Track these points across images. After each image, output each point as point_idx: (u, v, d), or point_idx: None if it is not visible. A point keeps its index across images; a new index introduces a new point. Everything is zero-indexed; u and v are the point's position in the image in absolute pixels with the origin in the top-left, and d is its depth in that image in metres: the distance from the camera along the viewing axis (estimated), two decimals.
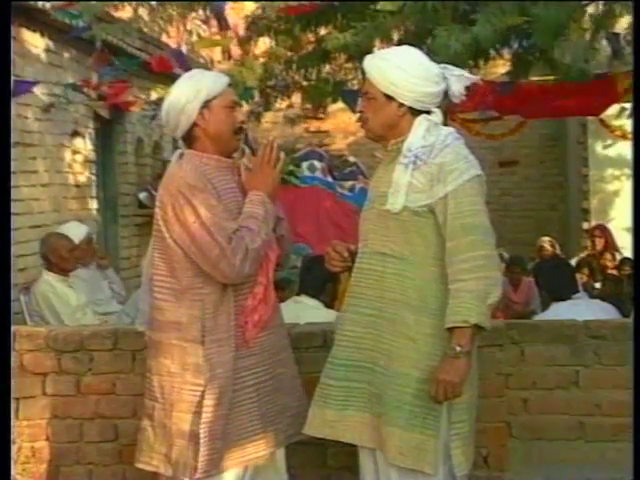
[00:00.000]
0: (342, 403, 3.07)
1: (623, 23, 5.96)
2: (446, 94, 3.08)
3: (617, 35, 5.68)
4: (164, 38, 10.27)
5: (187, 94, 3.15)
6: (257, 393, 3.14)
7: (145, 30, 9.46)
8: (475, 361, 3.05)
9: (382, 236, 3.04)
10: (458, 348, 2.86)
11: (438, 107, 3.08)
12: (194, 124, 3.16)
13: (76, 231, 6.41)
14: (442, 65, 3.10)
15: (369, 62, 3.09)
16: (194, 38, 10.85)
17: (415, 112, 3.04)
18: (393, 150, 3.08)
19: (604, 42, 5.79)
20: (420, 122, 3.03)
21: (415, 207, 2.97)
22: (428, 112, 3.06)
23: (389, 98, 3.03)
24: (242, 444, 3.10)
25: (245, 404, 3.12)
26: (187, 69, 8.23)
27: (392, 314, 2.99)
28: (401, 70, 3.01)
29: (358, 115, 3.17)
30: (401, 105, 3.03)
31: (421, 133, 3.01)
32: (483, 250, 2.91)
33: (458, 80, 3.07)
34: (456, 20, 5.22)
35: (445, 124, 3.17)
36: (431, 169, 2.96)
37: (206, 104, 3.15)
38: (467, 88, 3.12)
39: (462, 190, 2.93)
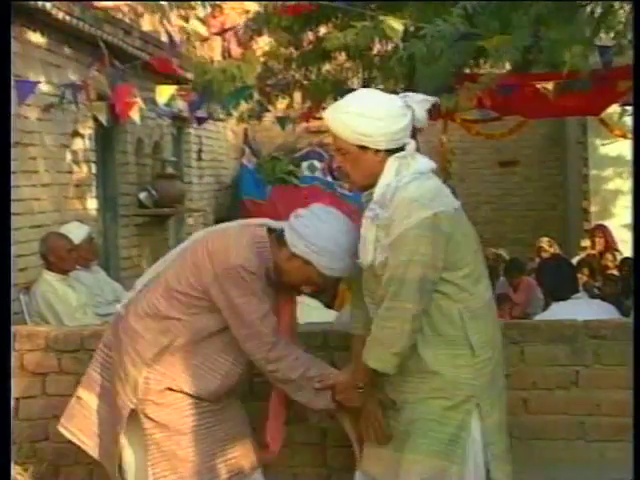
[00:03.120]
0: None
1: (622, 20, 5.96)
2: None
3: (607, 48, 5.69)
4: (164, 38, 10.26)
5: (312, 244, 3.09)
6: (212, 438, 3.17)
7: (146, 28, 9.46)
8: (503, 380, 3.16)
9: (377, 287, 3.02)
10: (359, 383, 3.04)
11: (412, 137, 3.01)
12: (288, 247, 3.13)
13: (77, 231, 6.41)
14: (401, 95, 3.04)
15: (331, 118, 3.01)
16: (194, 37, 10.85)
17: (393, 151, 2.98)
18: (368, 201, 3.04)
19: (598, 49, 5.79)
20: (390, 165, 2.96)
21: (379, 262, 2.96)
22: (403, 147, 2.99)
23: (363, 148, 2.97)
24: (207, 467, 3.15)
25: (196, 447, 3.15)
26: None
27: (411, 353, 2.98)
28: (366, 118, 2.93)
29: (338, 169, 3.13)
30: (377, 151, 2.96)
31: (388, 180, 2.94)
32: (401, 302, 2.89)
33: (421, 106, 3.00)
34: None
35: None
36: (386, 222, 2.93)
37: (307, 261, 3.11)
38: (430, 111, 3.06)
39: (400, 240, 2.90)
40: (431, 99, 3.05)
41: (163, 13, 9.43)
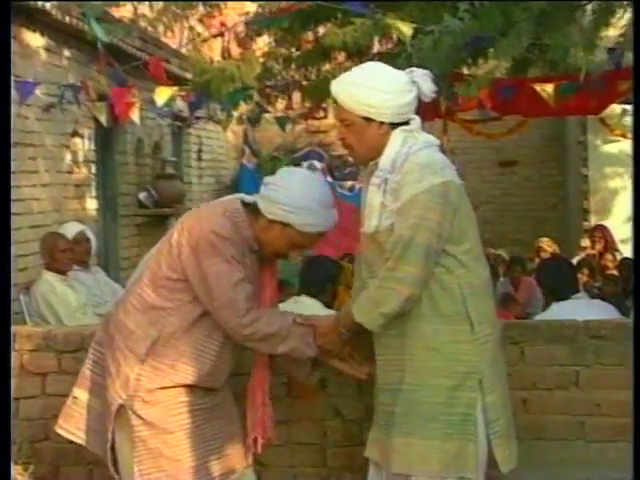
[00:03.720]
0: (382, 428, 3.10)
1: (623, 21, 5.98)
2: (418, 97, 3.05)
3: (615, 50, 5.71)
4: (164, 38, 10.27)
5: (286, 205, 3.08)
6: (201, 438, 3.15)
7: (147, 29, 9.46)
8: (503, 360, 3.15)
9: (377, 257, 3.02)
10: (342, 328, 3.08)
11: (416, 113, 3.06)
12: (264, 215, 3.13)
13: (71, 230, 6.42)
14: (408, 70, 3.08)
15: (337, 89, 3.04)
16: (194, 37, 10.85)
17: (396, 126, 3.01)
18: (372, 170, 3.06)
19: (604, 48, 5.79)
20: (395, 136, 3.00)
21: (384, 227, 2.97)
22: (407, 122, 3.03)
23: (368, 120, 3.00)
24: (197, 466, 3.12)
25: (184, 446, 3.12)
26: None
27: (410, 329, 3.00)
28: (372, 90, 2.97)
29: (341, 142, 3.15)
30: (381, 123, 3.00)
31: (396, 148, 2.98)
32: (404, 266, 2.90)
33: (426, 79, 3.05)
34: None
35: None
36: (395, 187, 2.95)
37: (285, 223, 3.11)
38: (436, 83, 3.12)
39: (409, 204, 2.91)
40: (430, 73, 3.10)
41: (174, 17, 9.44)
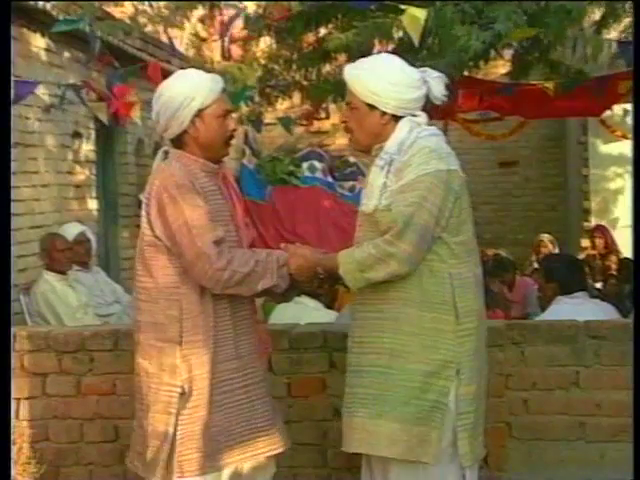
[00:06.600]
0: (347, 410, 3.09)
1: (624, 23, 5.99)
2: (428, 97, 3.09)
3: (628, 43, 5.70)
4: (164, 38, 10.25)
5: (180, 100, 3.09)
6: (247, 395, 3.14)
7: (146, 29, 9.45)
8: (486, 357, 3.12)
9: (370, 239, 3.04)
10: (320, 269, 3.14)
11: (423, 110, 3.10)
12: (184, 131, 3.14)
13: (71, 230, 6.42)
14: (422, 69, 3.13)
15: (349, 73, 3.11)
16: (194, 38, 10.85)
17: (398, 119, 3.06)
18: (377, 154, 3.09)
19: (612, 46, 5.79)
20: (403, 124, 3.05)
21: (383, 206, 2.99)
22: (413, 116, 3.08)
23: (371, 107, 3.06)
24: (231, 446, 3.09)
25: (234, 406, 3.11)
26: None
27: (396, 312, 3.01)
28: (381, 79, 3.03)
29: (343, 125, 3.18)
30: (384, 113, 3.06)
31: (404, 134, 3.04)
32: (400, 242, 2.92)
33: (438, 82, 3.10)
34: (464, 20, 5.20)
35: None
36: (400, 167, 2.99)
37: (199, 112, 3.12)
38: (448, 88, 3.16)
39: (413, 183, 2.95)
40: (444, 76, 3.15)
41: (165, 19, 9.43)
